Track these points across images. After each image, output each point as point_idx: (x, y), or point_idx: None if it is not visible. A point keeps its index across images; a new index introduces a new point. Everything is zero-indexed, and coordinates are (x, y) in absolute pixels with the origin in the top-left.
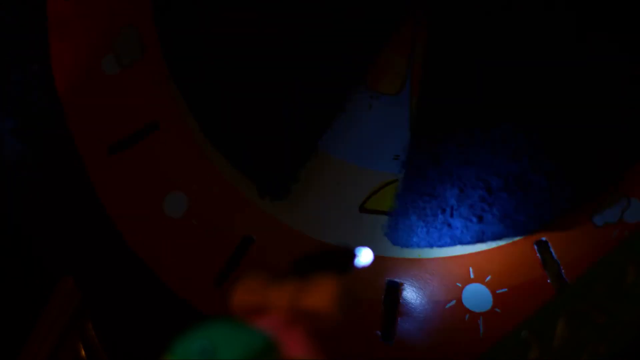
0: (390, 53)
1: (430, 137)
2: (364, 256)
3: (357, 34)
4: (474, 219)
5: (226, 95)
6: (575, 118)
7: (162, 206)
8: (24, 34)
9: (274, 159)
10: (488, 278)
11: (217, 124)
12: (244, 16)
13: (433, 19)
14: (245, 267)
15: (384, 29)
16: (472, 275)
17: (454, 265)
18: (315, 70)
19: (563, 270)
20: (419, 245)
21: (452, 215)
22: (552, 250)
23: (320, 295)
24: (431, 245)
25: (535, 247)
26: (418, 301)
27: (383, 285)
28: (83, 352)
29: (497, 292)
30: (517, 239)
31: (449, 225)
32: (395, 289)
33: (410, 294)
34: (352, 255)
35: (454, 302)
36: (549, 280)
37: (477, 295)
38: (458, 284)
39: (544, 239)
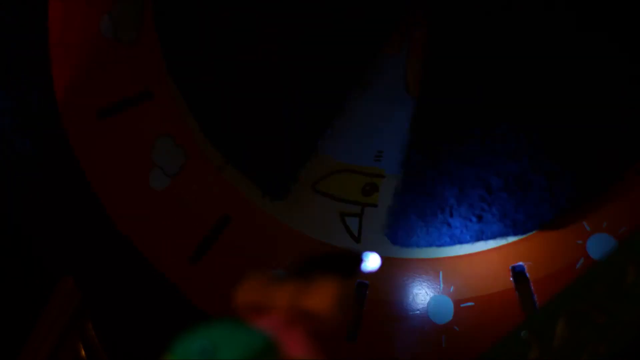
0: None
1: (430, 136)
2: (371, 261)
3: (357, 34)
4: (474, 219)
5: (226, 96)
6: (575, 118)
7: (148, 178)
8: (23, 34)
9: (274, 159)
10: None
11: (217, 124)
12: (244, 16)
13: (433, 19)
14: (222, 246)
15: (384, 29)
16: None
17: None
18: (315, 71)
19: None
20: (418, 245)
21: (451, 215)
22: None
23: (321, 296)
24: (430, 245)
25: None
26: (388, 302)
27: (353, 286)
28: (83, 352)
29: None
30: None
31: (449, 224)
32: (363, 290)
33: (381, 293)
34: (359, 260)
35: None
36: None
37: (441, 306)
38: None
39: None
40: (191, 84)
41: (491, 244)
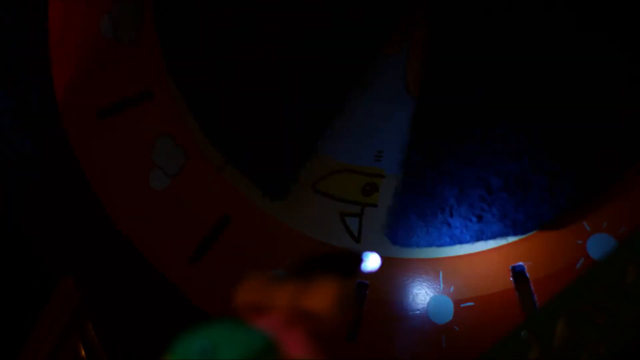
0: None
1: (430, 136)
2: (371, 261)
3: (357, 34)
4: (474, 219)
5: (226, 96)
6: (575, 118)
7: (148, 178)
8: (23, 34)
9: (274, 159)
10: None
11: (217, 124)
12: (244, 16)
13: (433, 19)
14: (222, 246)
15: (384, 29)
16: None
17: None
18: (315, 71)
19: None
20: (418, 245)
21: (451, 215)
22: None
23: (321, 296)
24: (430, 245)
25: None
26: (388, 302)
27: (353, 286)
28: (83, 352)
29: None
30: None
31: (449, 224)
32: (363, 290)
33: (381, 293)
34: (359, 260)
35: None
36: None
37: (441, 306)
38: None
39: (521, 264)
40: (191, 84)
41: (491, 244)
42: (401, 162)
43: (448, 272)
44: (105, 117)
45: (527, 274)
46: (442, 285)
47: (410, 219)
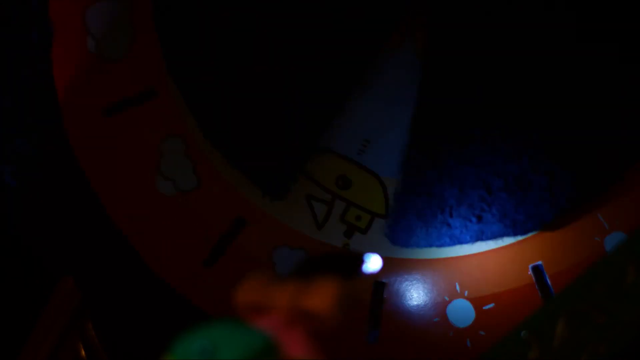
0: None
1: (430, 136)
2: (372, 263)
3: (357, 34)
4: (473, 219)
5: (226, 96)
6: (575, 118)
7: (155, 180)
8: (25, 34)
9: (274, 159)
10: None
11: (217, 124)
12: (244, 16)
13: (433, 18)
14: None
15: (384, 29)
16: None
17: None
18: (315, 71)
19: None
20: (418, 245)
21: (451, 215)
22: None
23: (321, 296)
24: (430, 245)
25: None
26: (405, 302)
27: (370, 286)
28: (83, 352)
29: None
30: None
31: (448, 225)
32: (381, 290)
33: (399, 295)
34: (360, 261)
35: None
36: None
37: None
38: (445, 298)
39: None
40: (191, 84)
41: (491, 244)
42: (401, 163)
43: (463, 273)
44: (107, 117)
45: (544, 270)
46: (458, 287)
47: (410, 219)
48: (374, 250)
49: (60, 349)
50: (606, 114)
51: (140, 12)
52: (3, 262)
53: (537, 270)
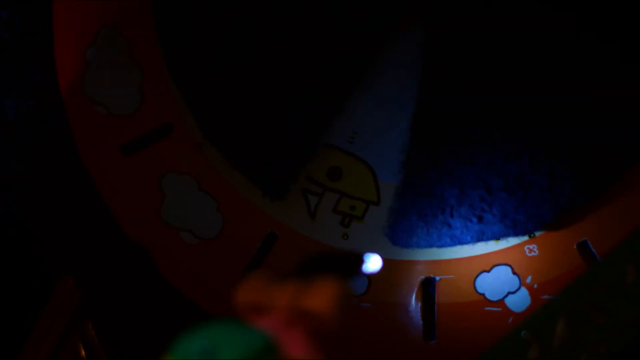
0: None
1: (430, 136)
2: (373, 262)
3: (357, 34)
4: (474, 219)
5: (226, 95)
6: (575, 118)
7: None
8: (28, 34)
9: (274, 159)
10: (529, 279)
11: (217, 124)
12: (244, 16)
13: (433, 18)
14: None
15: (384, 29)
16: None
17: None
18: (315, 71)
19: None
20: (418, 246)
21: (451, 215)
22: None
23: (321, 296)
24: (431, 246)
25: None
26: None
27: (416, 285)
28: (83, 352)
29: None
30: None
31: (449, 225)
32: (430, 286)
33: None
34: (361, 261)
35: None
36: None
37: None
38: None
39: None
40: (191, 84)
41: (491, 244)
42: (401, 163)
43: (516, 264)
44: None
45: (592, 248)
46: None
47: (410, 219)
48: (374, 237)
49: (60, 349)
50: (606, 114)
51: (140, 46)
52: (3, 262)
53: (584, 246)
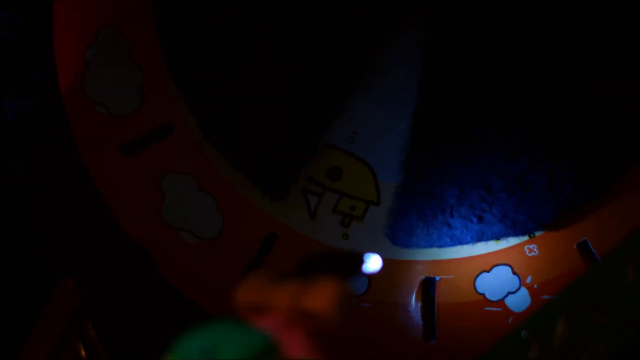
0: None
1: (430, 136)
2: (373, 263)
3: (357, 34)
4: (474, 219)
5: (226, 95)
6: (575, 118)
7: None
8: (28, 34)
9: (274, 159)
10: (529, 279)
11: (217, 124)
12: (244, 16)
13: (433, 18)
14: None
15: (384, 29)
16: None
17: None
18: (315, 71)
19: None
20: (418, 246)
21: (451, 215)
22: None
23: (321, 296)
24: (431, 246)
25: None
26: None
27: (416, 285)
28: (83, 352)
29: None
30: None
31: (449, 225)
32: (430, 286)
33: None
34: (360, 261)
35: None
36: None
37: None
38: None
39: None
40: (191, 84)
41: (491, 244)
42: (401, 163)
43: (516, 264)
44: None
45: (592, 248)
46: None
47: (410, 219)
48: (374, 237)
49: (60, 349)
50: (606, 114)
51: (140, 46)
52: (3, 262)
53: (584, 246)
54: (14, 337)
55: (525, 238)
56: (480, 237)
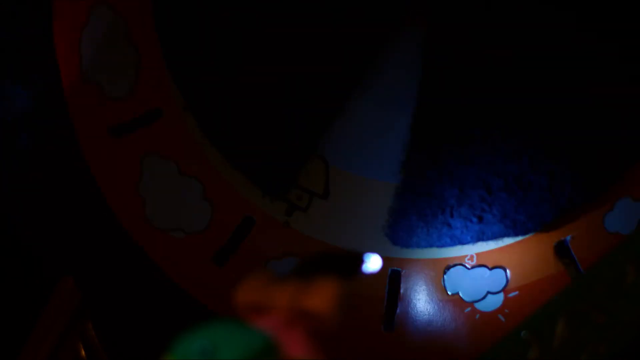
0: None
1: (430, 137)
2: (372, 262)
3: (357, 34)
4: (474, 219)
5: (226, 95)
6: (575, 118)
7: None
8: (29, 32)
9: (274, 159)
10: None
11: (217, 124)
12: (244, 16)
13: (433, 18)
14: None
15: (384, 29)
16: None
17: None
18: (315, 71)
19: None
20: (418, 246)
21: (451, 215)
22: (572, 251)
23: (321, 296)
24: (431, 246)
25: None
26: (420, 293)
27: (385, 277)
28: (83, 352)
29: (509, 295)
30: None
31: (449, 225)
32: (397, 278)
33: (414, 288)
34: (360, 261)
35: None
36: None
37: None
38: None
39: (566, 238)
40: (191, 84)
41: (492, 244)
42: (401, 163)
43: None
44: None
45: (572, 250)
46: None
47: (410, 219)
48: (313, 227)
49: (60, 349)
50: (606, 114)
51: (139, 26)
52: (3, 262)
53: (562, 247)
54: (14, 337)
55: (521, 238)
56: (480, 237)
